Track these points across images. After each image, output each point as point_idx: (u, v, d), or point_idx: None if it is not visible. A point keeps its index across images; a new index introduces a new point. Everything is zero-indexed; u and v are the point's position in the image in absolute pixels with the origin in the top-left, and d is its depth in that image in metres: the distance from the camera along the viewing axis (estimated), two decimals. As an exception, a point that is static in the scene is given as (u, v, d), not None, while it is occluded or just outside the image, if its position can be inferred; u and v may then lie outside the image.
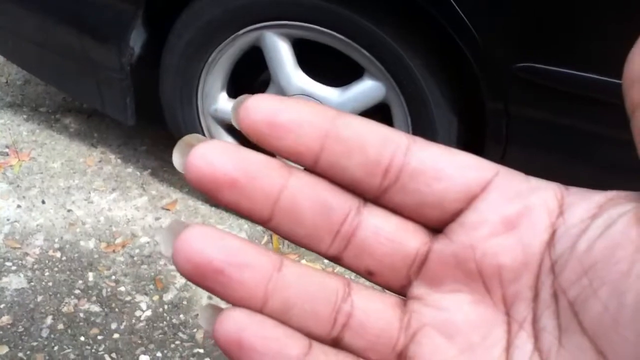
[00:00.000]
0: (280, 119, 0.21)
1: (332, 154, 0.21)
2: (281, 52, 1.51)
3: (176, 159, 0.21)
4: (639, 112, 0.18)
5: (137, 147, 2.05)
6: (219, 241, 0.20)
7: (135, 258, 1.67)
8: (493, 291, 0.21)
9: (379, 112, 1.48)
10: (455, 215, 0.21)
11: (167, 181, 1.92)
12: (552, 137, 1.32)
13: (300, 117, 0.21)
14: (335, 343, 0.22)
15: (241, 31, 1.51)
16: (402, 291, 0.23)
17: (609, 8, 1.15)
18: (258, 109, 0.21)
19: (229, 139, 1.70)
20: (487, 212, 0.21)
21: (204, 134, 1.71)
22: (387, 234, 0.22)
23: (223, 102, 1.66)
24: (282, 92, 1.55)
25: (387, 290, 0.23)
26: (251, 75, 1.72)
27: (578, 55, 1.20)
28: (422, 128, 1.44)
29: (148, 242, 1.71)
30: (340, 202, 0.22)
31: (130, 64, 1.63)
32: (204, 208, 1.83)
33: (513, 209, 0.21)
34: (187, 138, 0.21)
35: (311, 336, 0.22)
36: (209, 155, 0.20)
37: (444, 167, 0.21)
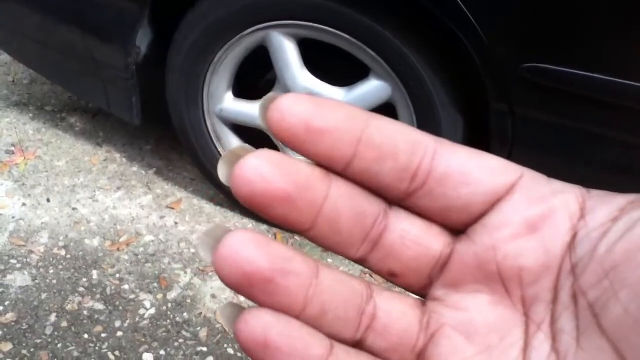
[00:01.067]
0: (317, 124, 0.20)
1: (365, 160, 0.21)
2: (287, 52, 1.51)
3: (222, 171, 0.21)
4: None
5: (142, 146, 2.05)
6: (266, 248, 0.20)
7: (139, 256, 1.67)
8: (512, 292, 0.21)
9: (384, 113, 1.47)
10: (479, 217, 0.22)
11: (172, 180, 1.92)
12: (557, 138, 1.31)
13: (335, 123, 0.20)
14: (358, 344, 0.22)
15: (247, 31, 1.51)
16: (422, 292, 0.23)
17: (615, 8, 1.14)
18: (294, 112, 0.20)
19: (234, 139, 1.70)
20: (510, 215, 0.21)
21: (209, 134, 1.71)
22: (413, 237, 0.22)
23: (229, 102, 1.67)
24: (287, 92, 1.54)
25: (405, 291, 0.23)
26: (257, 75, 1.72)
27: (584, 56, 1.20)
28: (428, 128, 1.43)
29: (152, 241, 1.72)
30: (371, 207, 0.22)
31: (136, 64, 1.64)
32: (209, 207, 1.83)
33: (535, 211, 0.21)
34: (236, 149, 0.21)
35: (339, 339, 0.21)
36: (260, 168, 0.20)
37: (470, 172, 0.21)
